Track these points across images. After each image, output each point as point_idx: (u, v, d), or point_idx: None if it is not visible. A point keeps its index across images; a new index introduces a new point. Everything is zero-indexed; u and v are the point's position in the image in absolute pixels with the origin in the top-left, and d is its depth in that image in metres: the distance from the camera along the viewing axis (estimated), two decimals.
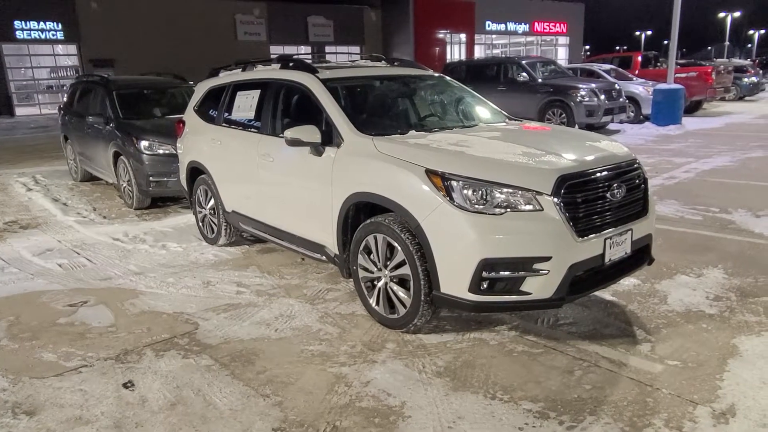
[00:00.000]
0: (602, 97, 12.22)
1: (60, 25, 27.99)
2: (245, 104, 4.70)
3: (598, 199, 3.04)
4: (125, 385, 2.88)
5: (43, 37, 27.75)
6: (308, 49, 38.48)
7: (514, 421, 2.48)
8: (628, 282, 4.00)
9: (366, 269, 3.47)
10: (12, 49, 27.32)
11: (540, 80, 12.84)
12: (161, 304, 3.98)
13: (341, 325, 3.52)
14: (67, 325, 3.69)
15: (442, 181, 2.94)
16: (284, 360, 3.11)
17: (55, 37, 28.06)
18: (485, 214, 2.85)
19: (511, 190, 2.87)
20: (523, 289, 2.89)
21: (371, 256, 3.41)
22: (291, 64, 4.36)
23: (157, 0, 30.55)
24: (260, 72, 4.71)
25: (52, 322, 3.74)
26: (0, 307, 4.02)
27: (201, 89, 5.46)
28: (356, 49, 41.23)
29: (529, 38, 47.65)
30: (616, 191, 3.10)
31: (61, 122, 9.46)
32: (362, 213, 3.50)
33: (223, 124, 4.94)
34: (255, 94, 4.59)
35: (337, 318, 3.63)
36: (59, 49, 28.77)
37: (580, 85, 12.36)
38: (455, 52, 44.81)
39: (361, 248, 3.43)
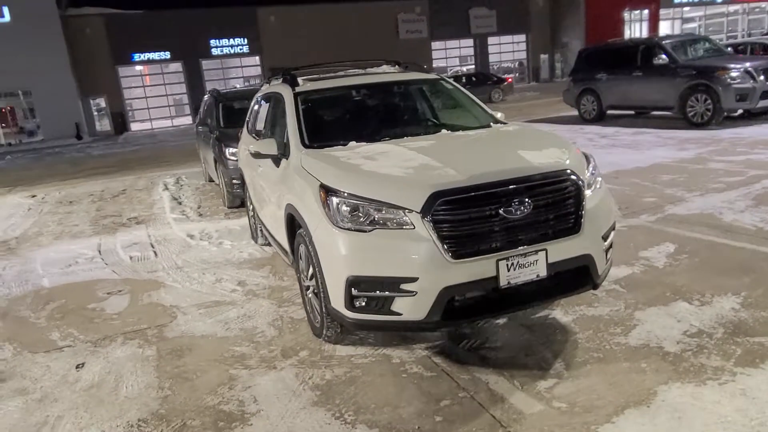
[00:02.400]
0: (761, 78, 10.25)
1: (246, 40, 31.82)
2: (260, 116, 5.12)
3: (487, 216, 2.77)
4: (77, 366, 3.46)
5: (232, 51, 31.87)
6: (470, 42, 38.22)
7: None
8: (604, 307, 3.52)
9: (300, 278, 3.61)
10: (208, 65, 31.80)
11: (681, 62, 11.22)
12: (167, 297, 4.57)
13: (282, 329, 3.71)
14: (91, 310, 4.46)
15: (326, 196, 2.95)
16: (207, 357, 3.41)
17: (242, 51, 32.02)
18: (354, 231, 2.81)
19: (383, 208, 2.78)
20: (394, 309, 2.78)
21: (301, 265, 3.54)
22: (282, 78, 4.62)
23: (326, 9, 32.95)
24: (270, 86, 5.06)
25: (83, 306, 4.55)
26: (62, 291, 4.99)
27: (252, 102, 6.02)
28: (521, 37, 39.80)
29: (732, 7, 41.24)
30: (514, 208, 2.79)
31: (195, 131, 11.01)
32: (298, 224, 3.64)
33: (253, 135, 5.41)
34: (265, 107, 4.97)
35: (287, 322, 3.82)
36: (245, 61, 32.68)
37: (731, 65, 10.52)
38: (636, 31, 40.57)
39: (298, 257, 3.58)
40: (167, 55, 30.40)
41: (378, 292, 2.78)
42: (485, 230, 2.77)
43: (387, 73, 4.67)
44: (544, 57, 40.02)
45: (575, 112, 13.93)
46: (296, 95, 4.14)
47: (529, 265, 2.83)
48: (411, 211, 2.73)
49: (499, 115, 4.37)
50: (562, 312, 3.53)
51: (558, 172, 2.96)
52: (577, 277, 3.04)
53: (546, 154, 3.15)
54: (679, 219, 5.22)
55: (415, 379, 2.93)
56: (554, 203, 2.91)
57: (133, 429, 2.72)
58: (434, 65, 36.74)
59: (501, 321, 3.48)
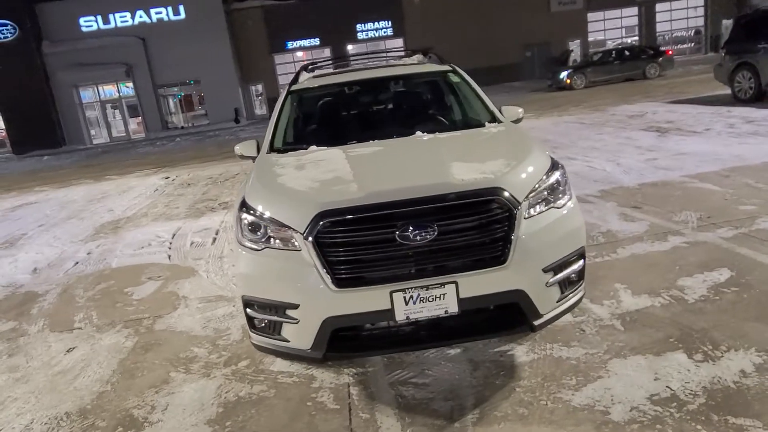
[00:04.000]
0: None
1: (390, 23, 32.24)
2: None
3: (379, 241, 2.42)
4: (68, 350, 3.81)
5: (377, 35, 32.55)
6: (634, 11, 34.51)
7: None
8: (580, 348, 2.93)
9: None
10: (354, 49, 32.84)
11: None
12: (187, 287, 4.82)
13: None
14: (123, 294, 4.89)
15: (239, 210, 2.82)
16: (165, 355, 3.53)
17: (386, 33, 32.53)
18: (249, 249, 2.65)
19: (275, 227, 2.58)
20: (283, 335, 2.59)
21: None
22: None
23: None
24: None
25: (121, 290, 5.00)
26: (118, 273, 5.54)
27: None
28: (698, 1, 34.90)
29: None
30: (412, 233, 2.39)
31: None
32: None
33: None
34: None
35: None
36: (389, 43, 33.16)
37: None
38: None
39: None
40: (317, 41, 32.02)
41: (268, 315, 2.60)
42: (377, 257, 2.43)
43: (398, 66, 4.34)
44: (726, 23, 34.50)
45: (729, 91, 11.83)
46: (288, 93, 4.04)
47: (434, 299, 2.43)
48: (296, 231, 2.49)
49: (519, 111, 3.85)
50: (527, 348, 3.01)
51: (480, 191, 2.48)
52: (507, 315, 2.55)
53: (483, 167, 2.67)
54: (766, 237, 4.15)
55: (315, 410, 2.71)
56: (471, 228, 2.45)
57: (53, 422, 2.92)
58: (590, 39, 33.83)
59: (452, 351, 3.07)
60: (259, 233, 2.62)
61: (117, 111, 29.12)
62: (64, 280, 5.48)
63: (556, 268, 2.59)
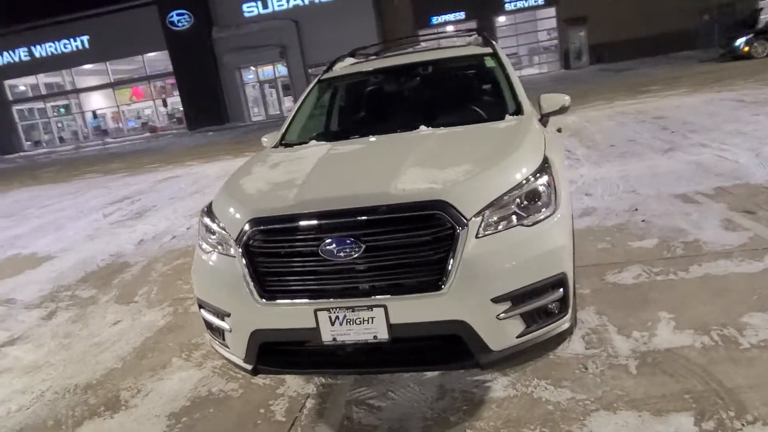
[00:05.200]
0: None
1: None
2: None
3: (305, 254, 2.22)
4: (114, 323, 4.19)
5: (526, 5, 30.80)
6: None
7: None
8: (568, 392, 2.47)
9: None
10: (501, 21, 31.48)
11: None
12: None
13: None
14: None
15: (201, 212, 2.78)
16: (181, 339, 3.69)
17: (536, 3, 30.63)
18: (202, 251, 2.61)
19: (219, 230, 2.50)
20: (225, 342, 2.52)
21: None
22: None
23: None
24: None
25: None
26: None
27: None
28: None
29: None
30: (336, 248, 2.15)
31: None
32: None
33: None
34: None
35: None
36: (540, 13, 31.21)
37: None
38: None
39: None
40: (462, 15, 31.20)
41: (214, 318, 2.55)
42: (301, 271, 2.24)
43: (437, 50, 3.98)
44: None
45: None
46: (318, 82, 3.92)
47: (361, 322, 2.19)
48: (231, 237, 2.39)
49: (563, 99, 3.38)
50: (509, 382, 2.62)
51: (416, 204, 2.14)
52: (452, 347, 2.21)
53: (439, 175, 2.30)
54: None
55: (262, 420, 2.63)
56: (404, 246, 2.14)
57: (61, 392, 3.22)
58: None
59: (429, 375, 2.78)
60: (212, 237, 2.57)
61: (273, 90, 31.37)
62: (154, 254, 6.04)
63: (516, 298, 2.17)
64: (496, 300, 2.14)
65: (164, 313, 4.22)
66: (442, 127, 3.09)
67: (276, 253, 2.28)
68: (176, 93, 32.21)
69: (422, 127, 3.12)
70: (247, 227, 2.31)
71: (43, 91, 35.04)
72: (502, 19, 31.63)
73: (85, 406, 3.03)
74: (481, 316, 2.13)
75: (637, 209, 4.99)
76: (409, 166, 2.43)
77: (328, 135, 3.35)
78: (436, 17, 31.48)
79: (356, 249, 2.14)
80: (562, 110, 3.45)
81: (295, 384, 2.89)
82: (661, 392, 2.36)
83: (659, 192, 5.41)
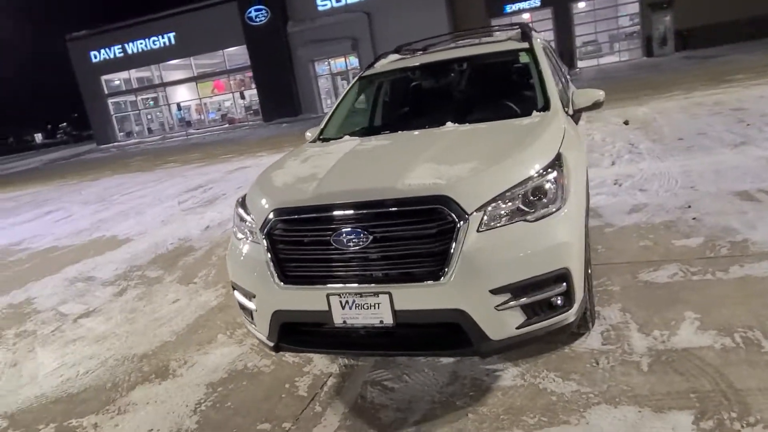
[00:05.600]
0: None
1: None
2: None
3: (318, 243, 2.40)
4: (174, 301, 4.60)
5: None
6: None
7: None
8: (574, 385, 2.53)
9: None
10: (579, 8, 30.31)
11: None
12: None
13: None
14: None
15: (237, 202, 3.02)
16: (229, 317, 4.02)
17: None
18: (236, 238, 2.85)
19: (250, 219, 2.74)
20: (253, 321, 2.76)
21: None
22: None
23: None
24: None
25: None
26: None
27: None
28: None
29: None
30: (346, 238, 2.32)
31: None
32: None
33: None
34: None
35: None
36: None
37: None
38: None
39: None
40: (537, 2, 30.31)
41: (244, 299, 2.80)
42: (315, 258, 2.44)
43: (475, 46, 4.03)
44: None
45: None
46: (359, 79, 4.10)
47: (369, 307, 2.35)
48: (257, 226, 2.62)
49: (597, 95, 3.39)
50: (519, 372, 2.70)
51: (419, 198, 2.27)
52: (452, 334, 2.33)
53: (446, 171, 2.41)
54: None
55: (287, 394, 2.87)
56: (408, 238, 2.28)
57: (122, 360, 3.61)
58: None
59: (445, 360, 2.90)
60: (244, 225, 2.81)
61: (345, 82, 31.94)
62: (217, 239, 6.49)
63: (516, 290, 2.26)
64: (495, 291, 2.23)
65: (217, 294, 4.57)
66: (467, 124, 3.18)
67: (294, 241, 2.49)
68: (253, 86, 33.53)
69: (449, 124, 3.22)
70: (270, 216, 2.53)
71: (135, 85, 37.55)
72: (581, 5, 30.43)
73: (139, 372, 3.40)
74: (479, 307, 2.24)
75: (690, 206, 4.82)
76: (422, 162, 2.56)
77: (362, 130, 3.52)
78: (509, 5, 30.77)
79: (364, 239, 2.31)
80: (596, 106, 3.43)
81: (321, 363, 3.11)
82: (666, 390, 2.37)
83: (719, 189, 5.17)
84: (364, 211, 2.34)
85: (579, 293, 2.45)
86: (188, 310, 4.30)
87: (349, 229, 2.33)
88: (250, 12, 30.99)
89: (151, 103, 38.31)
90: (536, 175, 2.40)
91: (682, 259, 3.72)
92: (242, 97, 35.67)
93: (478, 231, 2.26)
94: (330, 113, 3.92)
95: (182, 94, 37.54)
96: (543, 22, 31.10)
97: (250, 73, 33.77)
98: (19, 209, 12.79)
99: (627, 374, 2.54)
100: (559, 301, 2.37)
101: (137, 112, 38.22)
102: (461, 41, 4.36)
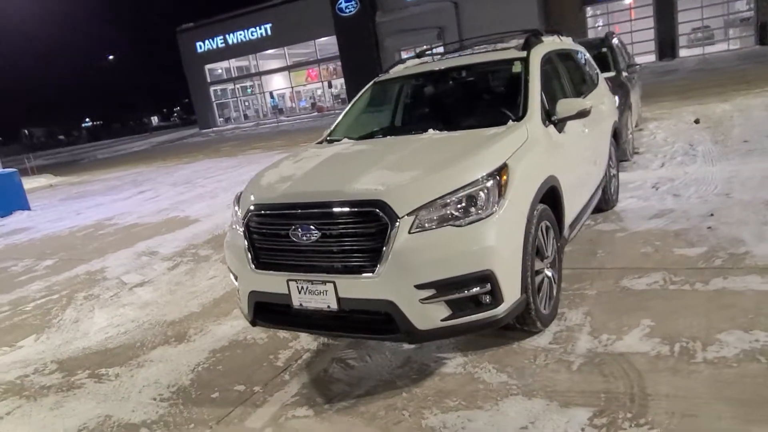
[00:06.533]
0: None
1: None
2: None
3: (279, 236, 2.81)
4: (210, 277, 5.22)
5: None
6: None
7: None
8: (498, 376, 2.77)
9: None
10: None
11: None
12: None
13: None
14: None
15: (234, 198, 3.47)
16: None
17: None
18: (231, 229, 3.29)
19: (237, 213, 3.18)
20: (239, 298, 3.22)
21: None
22: None
23: None
24: None
25: None
26: None
27: None
28: None
29: None
30: (299, 233, 2.71)
31: None
32: None
33: None
34: None
35: None
36: None
37: None
38: None
39: None
40: None
41: (233, 280, 3.27)
42: (278, 248, 2.85)
43: (479, 54, 4.22)
44: None
45: None
46: (373, 84, 4.45)
47: (319, 294, 2.73)
48: (240, 218, 3.07)
49: (582, 105, 3.50)
50: (464, 361, 2.96)
51: (357, 202, 2.61)
52: (387, 322, 2.65)
53: (390, 178, 2.72)
54: None
55: (267, 363, 3.32)
56: (348, 235, 2.63)
57: (153, 325, 4.25)
58: None
59: (407, 346, 3.22)
60: (234, 218, 3.27)
61: None
62: None
63: (440, 287, 2.54)
64: (420, 287, 2.53)
65: None
66: (445, 132, 3.43)
67: (263, 232, 2.92)
68: (342, 75, 34.56)
69: (430, 131, 3.49)
70: (249, 211, 2.97)
71: (234, 74, 39.97)
72: None
73: (163, 336, 4.01)
74: (406, 299, 2.55)
75: (713, 214, 4.71)
76: (377, 168, 2.89)
77: (359, 134, 3.87)
78: None
79: (314, 234, 2.69)
80: (581, 115, 3.54)
81: (305, 340, 3.53)
82: (582, 389, 2.55)
83: (754, 197, 4.99)
84: (314, 210, 2.72)
85: (510, 293, 2.68)
86: (219, 287, 4.89)
87: (302, 225, 2.72)
88: (340, 3, 31.92)
89: (249, 90, 40.62)
90: (470, 183, 2.64)
91: (672, 268, 3.75)
92: (330, 86, 36.88)
93: (409, 232, 2.56)
94: (341, 116, 4.30)
95: (276, 83, 39.46)
96: (643, 8, 29.38)
97: (339, 63, 34.82)
98: (121, 188, 14.39)
99: (556, 371, 2.73)
100: (486, 299, 2.61)
101: (235, 99, 40.69)
102: (475, 48, 4.53)
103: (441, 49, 5.11)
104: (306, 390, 2.95)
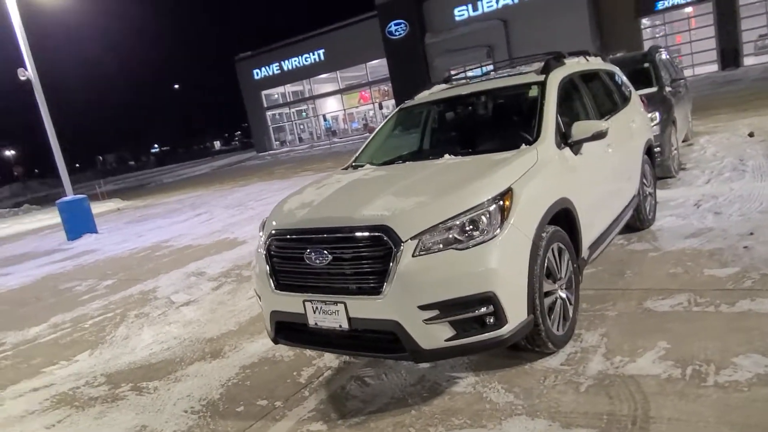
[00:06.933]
0: None
1: None
2: None
3: (295, 259, 2.99)
4: (249, 297, 5.49)
5: None
6: None
7: None
8: (505, 396, 2.82)
9: None
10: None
11: None
12: None
13: None
14: None
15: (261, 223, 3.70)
16: None
17: None
18: (257, 252, 3.50)
19: (262, 236, 3.39)
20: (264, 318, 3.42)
21: None
22: None
23: None
24: None
25: None
26: None
27: None
28: None
29: None
30: (313, 256, 2.88)
31: None
32: None
33: None
34: None
35: None
36: None
37: None
38: None
39: None
40: None
41: (259, 301, 3.47)
42: (295, 271, 3.03)
43: (499, 79, 4.32)
44: None
45: None
46: (399, 110, 4.63)
47: (331, 313, 2.89)
48: (264, 243, 3.29)
49: (599, 126, 3.55)
50: (475, 381, 3.03)
51: (364, 227, 2.76)
52: (395, 341, 2.77)
53: (396, 204, 2.86)
54: None
55: (291, 379, 3.49)
56: (356, 259, 2.79)
57: (191, 342, 4.52)
58: None
59: (423, 365, 3.31)
60: (260, 241, 3.49)
61: None
62: None
63: (443, 307, 2.64)
64: (423, 307, 2.64)
65: None
66: (460, 156, 3.55)
67: (282, 256, 3.12)
68: (392, 96, 35.10)
69: (446, 156, 3.62)
70: (270, 234, 3.19)
71: (289, 99, 41.36)
72: None
73: (201, 352, 4.27)
74: (410, 319, 2.66)
75: (753, 233, 4.56)
76: (387, 194, 3.04)
77: (381, 160, 4.04)
78: (661, 2, 28.51)
79: (327, 258, 2.86)
80: (597, 137, 3.56)
81: (328, 358, 3.69)
82: (586, 410, 2.57)
83: None
84: (326, 236, 2.89)
85: (515, 314, 2.74)
86: (256, 306, 5.13)
87: (316, 249, 2.89)
88: (390, 26, 32.58)
89: (304, 114, 41.88)
90: (473, 207, 2.74)
91: (698, 289, 3.67)
92: (381, 107, 37.50)
93: (413, 255, 2.68)
94: (367, 141, 4.48)
95: (330, 106, 40.52)
96: (703, 16, 28.36)
97: (389, 84, 35.41)
98: (180, 210, 15.18)
99: (563, 393, 2.76)
100: (490, 320, 2.69)
101: (290, 122, 42.04)
102: (499, 72, 4.63)
103: (477, 71, 5.25)
104: (323, 406, 3.10)
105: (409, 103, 4.65)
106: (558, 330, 3.12)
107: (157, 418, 3.32)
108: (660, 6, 28.81)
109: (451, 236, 2.71)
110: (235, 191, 17.61)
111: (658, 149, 6.87)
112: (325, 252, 2.86)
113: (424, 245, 2.69)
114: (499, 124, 4.03)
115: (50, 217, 19.03)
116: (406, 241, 2.69)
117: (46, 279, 8.68)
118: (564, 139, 3.59)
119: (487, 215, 2.73)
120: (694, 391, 2.56)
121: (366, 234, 2.78)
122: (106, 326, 5.42)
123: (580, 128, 3.56)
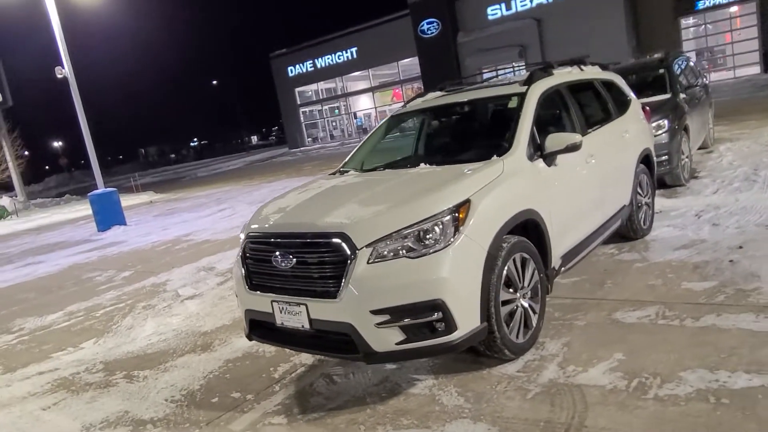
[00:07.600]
0: None
1: None
2: None
3: (264, 261, 3.17)
4: None
5: None
6: None
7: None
8: (456, 399, 2.94)
9: None
10: None
11: None
12: None
13: None
14: None
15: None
16: None
17: None
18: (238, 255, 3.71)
19: (241, 239, 3.59)
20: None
21: None
22: None
23: None
24: None
25: None
26: None
27: None
28: None
29: None
30: (279, 260, 3.05)
31: None
32: None
33: None
34: None
35: None
36: None
37: None
38: None
39: None
40: None
41: (236, 299, 3.66)
42: (265, 272, 3.21)
43: (482, 89, 4.41)
44: None
45: None
46: (389, 118, 4.77)
47: (295, 314, 3.06)
48: (241, 246, 3.48)
49: (571, 138, 3.62)
50: (432, 384, 3.15)
51: (322, 234, 2.93)
52: (349, 342, 2.92)
53: (356, 212, 3.01)
54: None
55: (266, 374, 3.68)
56: (316, 264, 2.95)
57: (186, 334, 4.77)
58: None
59: (393, 366, 3.45)
60: (239, 244, 3.70)
61: None
62: None
63: (394, 313, 2.78)
64: (375, 312, 2.79)
65: None
66: (434, 165, 3.67)
67: (254, 258, 3.31)
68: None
69: (422, 165, 3.74)
70: (247, 237, 3.38)
71: (322, 96, 41.82)
72: None
73: (192, 345, 4.51)
74: (363, 323, 2.81)
75: (742, 246, 4.53)
76: (352, 202, 3.20)
77: (365, 167, 4.19)
78: (702, 1, 27.64)
79: (292, 261, 3.03)
80: (572, 149, 3.62)
81: (305, 356, 3.87)
82: (526, 416, 2.66)
83: None
84: (292, 240, 3.07)
85: (466, 321, 2.86)
86: None
87: (281, 252, 3.07)
88: (422, 25, 32.58)
89: (336, 111, 42.28)
90: (429, 218, 2.87)
91: (670, 302, 3.70)
92: None
93: (368, 262, 2.83)
94: (356, 147, 4.64)
95: (362, 104, 40.79)
96: (746, 17, 27.41)
97: (421, 83, 35.41)
98: (206, 205, 15.64)
99: (510, 399, 2.86)
100: (440, 326, 2.82)
101: (323, 119, 42.51)
102: (486, 82, 4.72)
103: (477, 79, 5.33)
104: (288, 401, 3.28)
105: (400, 110, 4.78)
106: (518, 338, 3.22)
107: (140, 405, 3.56)
108: (701, 5, 27.93)
109: (405, 245, 2.84)
110: (262, 187, 18.01)
111: (664, 158, 6.80)
112: (290, 256, 3.04)
113: (379, 253, 2.83)
114: (478, 134, 4.13)
115: (87, 207, 19.89)
116: (361, 248, 2.83)
117: (72, 268, 9.15)
118: (539, 150, 3.66)
119: (441, 225, 2.85)
120: (634, 403, 2.63)
121: (326, 240, 2.94)
122: (114, 316, 5.74)
123: (554, 140, 3.62)
